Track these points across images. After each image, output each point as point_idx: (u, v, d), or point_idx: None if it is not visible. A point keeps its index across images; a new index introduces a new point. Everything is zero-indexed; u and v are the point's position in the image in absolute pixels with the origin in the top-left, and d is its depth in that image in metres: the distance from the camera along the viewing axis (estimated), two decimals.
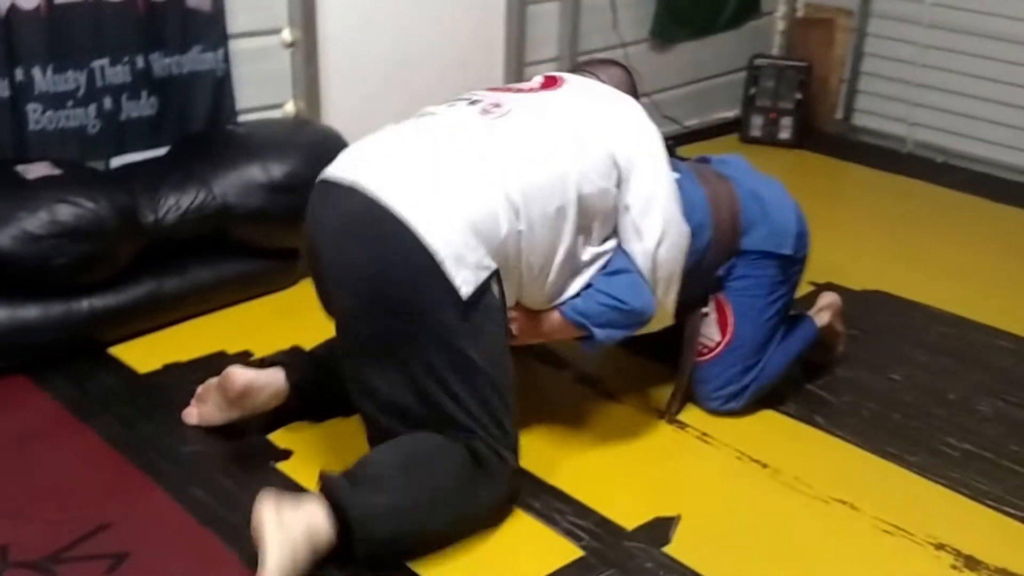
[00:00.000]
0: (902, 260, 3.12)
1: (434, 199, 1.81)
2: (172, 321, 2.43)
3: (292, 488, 1.88)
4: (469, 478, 1.79)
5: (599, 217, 1.98)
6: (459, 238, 1.78)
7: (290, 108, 2.93)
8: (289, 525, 1.65)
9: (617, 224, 2.01)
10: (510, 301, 1.92)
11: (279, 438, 2.06)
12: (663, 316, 2.11)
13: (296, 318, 2.53)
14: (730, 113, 4.20)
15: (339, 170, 1.92)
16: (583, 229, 1.95)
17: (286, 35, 2.87)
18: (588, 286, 2.00)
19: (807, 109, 4.09)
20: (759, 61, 4.06)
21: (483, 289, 1.80)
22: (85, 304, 2.26)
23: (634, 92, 2.31)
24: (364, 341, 1.85)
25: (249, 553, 1.69)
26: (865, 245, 3.21)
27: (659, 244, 2.01)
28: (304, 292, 2.65)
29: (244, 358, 2.33)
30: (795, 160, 3.97)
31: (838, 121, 4.18)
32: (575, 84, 2.15)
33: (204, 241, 2.49)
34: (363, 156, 1.94)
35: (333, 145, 2.70)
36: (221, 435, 2.04)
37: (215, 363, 2.29)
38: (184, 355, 2.32)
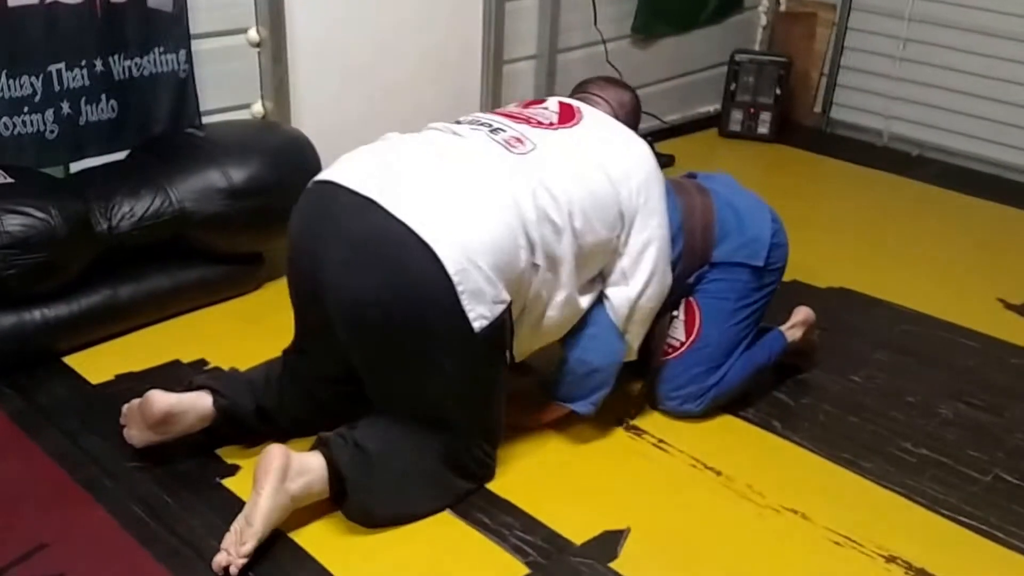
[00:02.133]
0: (871, 257, 3.03)
1: (461, 230, 1.76)
2: (129, 329, 2.36)
3: (234, 507, 1.80)
4: (453, 478, 1.88)
5: (596, 261, 1.98)
6: (481, 273, 1.74)
7: (258, 109, 2.84)
8: (289, 488, 1.72)
9: (605, 265, 2.00)
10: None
11: (227, 453, 1.98)
12: (630, 352, 2.10)
13: (257, 324, 2.46)
14: (711, 108, 4.09)
15: (349, 179, 1.83)
16: (581, 270, 1.94)
17: (252, 34, 2.78)
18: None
19: (786, 104, 3.98)
20: (739, 56, 3.94)
21: (495, 323, 1.78)
22: (37, 314, 2.19)
23: (638, 116, 2.33)
24: (366, 356, 1.84)
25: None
26: (835, 242, 3.11)
27: (642, 293, 2.02)
28: (266, 297, 2.59)
29: (199, 367, 2.26)
30: (773, 154, 3.86)
31: (817, 115, 4.07)
32: (591, 121, 2.06)
33: (163, 247, 2.41)
34: (379, 171, 1.85)
35: (298, 148, 2.64)
36: (166, 449, 1.97)
37: (169, 372, 2.23)
38: (138, 364, 2.24)
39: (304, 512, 1.81)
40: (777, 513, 1.91)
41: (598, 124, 2.07)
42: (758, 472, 2.02)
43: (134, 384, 2.15)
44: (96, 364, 2.23)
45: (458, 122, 2.02)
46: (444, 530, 1.83)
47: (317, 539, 1.78)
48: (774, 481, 1.99)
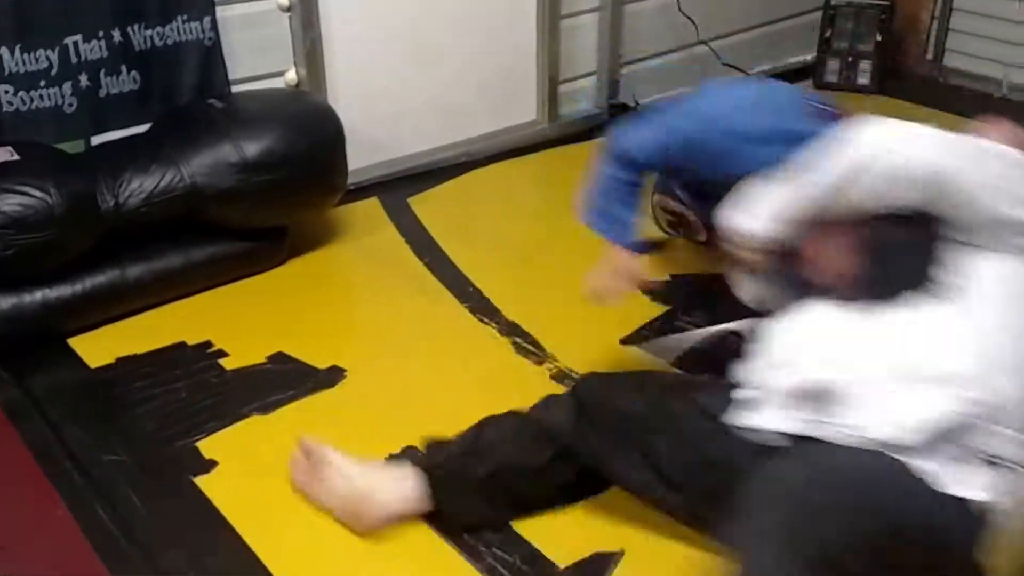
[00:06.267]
0: None
1: None
2: (140, 309, 2.18)
3: (202, 511, 1.60)
4: None
5: None
6: None
7: (291, 77, 2.60)
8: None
9: None
10: None
11: (207, 446, 1.77)
12: None
13: (275, 301, 2.25)
14: (806, 57, 3.57)
15: None
16: None
17: None
18: None
19: (891, 51, 3.42)
20: (836, 0, 3.40)
21: None
22: (39, 295, 2.03)
23: None
24: None
25: None
26: None
27: None
28: (290, 273, 2.37)
29: (203, 349, 2.05)
30: (874, 107, 3.29)
31: (929, 63, 3.48)
32: None
33: (177, 224, 2.21)
34: None
35: (320, 119, 2.39)
36: (150, 440, 1.78)
37: (172, 355, 2.03)
38: (141, 347, 2.06)
39: (271, 523, 1.58)
40: None
41: None
42: None
43: (135, 367, 1.97)
44: (99, 346, 2.06)
45: None
46: (412, 541, 1.56)
47: (276, 550, 1.54)
48: None
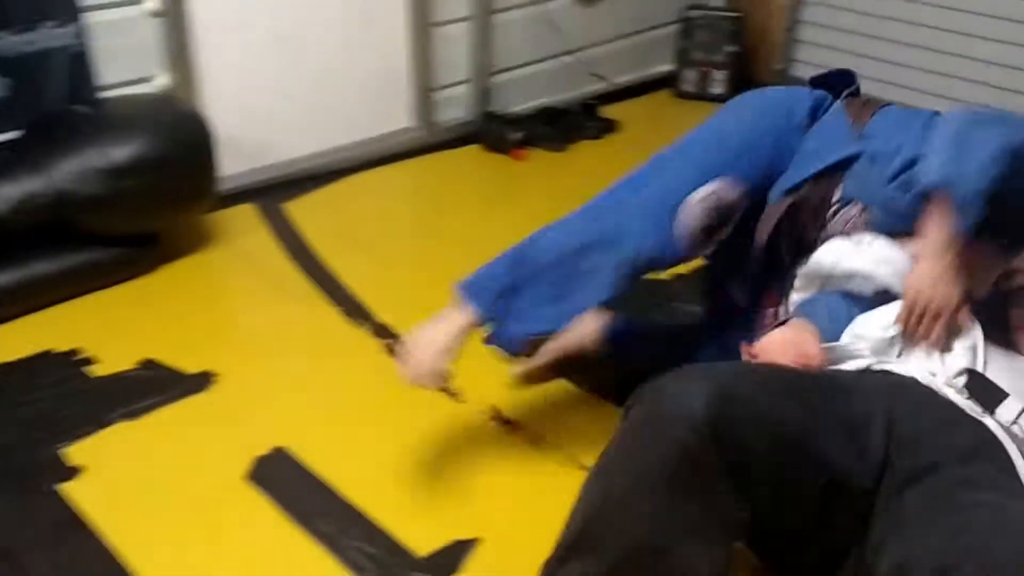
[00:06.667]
0: None
1: None
2: (9, 317, 2.16)
3: (61, 520, 1.62)
4: None
5: None
6: None
7: (161, 82, 2.60)
8: None
9: None
10: None
11: (72, 453, 1.79)
12: None
13: (146, 307, 2.26)
14: (666, 68, 3.77)
15: None
16: None
17: (150, 3, 2.53)
18: None
19: (744, 61, 3.65)
20: (691, 13, 3.61)
21: None
22: None
23: None
24: None
25: None
26: None
27: None
28: (160, 280, 2.38)
29: (70, 356, 2.06)
30: None
31: (778, 72, 3.73)
32: None
33: (47, 231, 2.20)
34: None
35: (189, 125, 2.40)
36: (13, 448, 1.78)
37: (37, 363, 2.03)
38: (7, 355, 2.05)
39: (137, 527, 1.62)
40: None
41: None
42: None
43: None
44: None
45: None
46: (278, 541, 1.62)
47: (142, 554, 1.58)
48: None
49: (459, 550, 1.61)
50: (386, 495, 1.72)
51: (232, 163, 2.64)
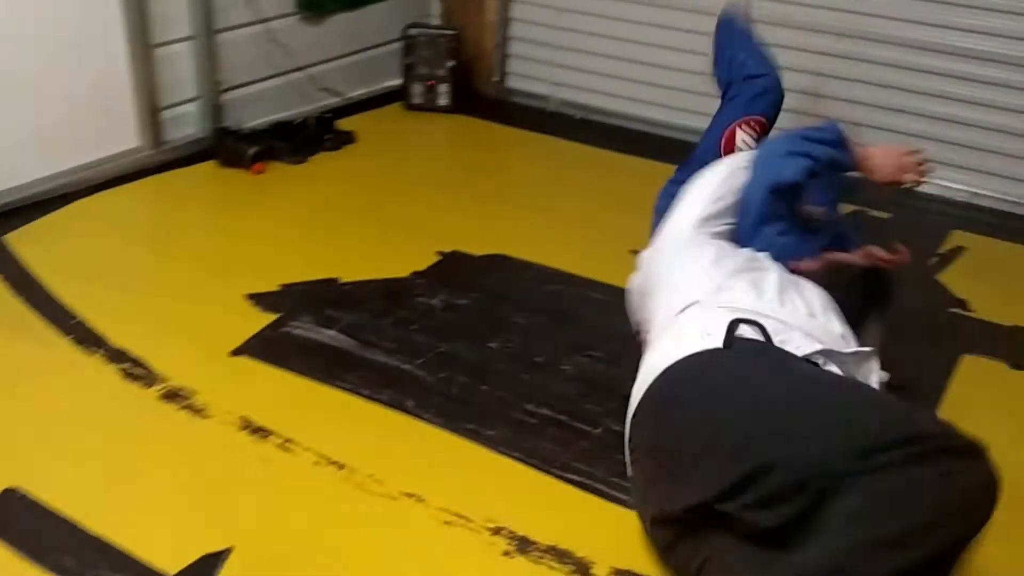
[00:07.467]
0: (527, 220, 2.99)
1: None
2: None
3: None
4: None
5: None
6: None
7: None
8: None
9: None
10: None
11: None
12: None
13: None
14: (395, 82, 3.93)
15: None
16: None
17: None
18: None
19: (464, 75, 3.89)
20: (412, 31, 3.80)
21: None
22: None
23: None
24: None
25: None
26: (501, 208, 3.06)
27: None
28: None
29: None
30: (452, 125, 3.77)
31: (495, 84, 4.02)
32: None
33: None
34: None
35: None
36: None
37: None
38: None
39: None
40: (393, 500, 1.80)
41: None
42: (382, 459, 1.90)
43: None
44: None
45: None
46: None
47: None
48: (397, 466, 1.88)
49: (211, 562, 1.63)
50: (131, 521, 1.70)
51: None
